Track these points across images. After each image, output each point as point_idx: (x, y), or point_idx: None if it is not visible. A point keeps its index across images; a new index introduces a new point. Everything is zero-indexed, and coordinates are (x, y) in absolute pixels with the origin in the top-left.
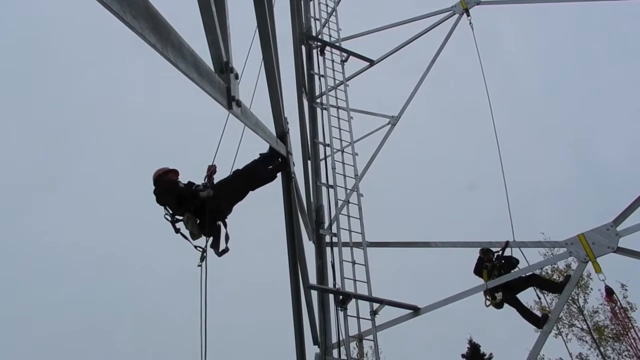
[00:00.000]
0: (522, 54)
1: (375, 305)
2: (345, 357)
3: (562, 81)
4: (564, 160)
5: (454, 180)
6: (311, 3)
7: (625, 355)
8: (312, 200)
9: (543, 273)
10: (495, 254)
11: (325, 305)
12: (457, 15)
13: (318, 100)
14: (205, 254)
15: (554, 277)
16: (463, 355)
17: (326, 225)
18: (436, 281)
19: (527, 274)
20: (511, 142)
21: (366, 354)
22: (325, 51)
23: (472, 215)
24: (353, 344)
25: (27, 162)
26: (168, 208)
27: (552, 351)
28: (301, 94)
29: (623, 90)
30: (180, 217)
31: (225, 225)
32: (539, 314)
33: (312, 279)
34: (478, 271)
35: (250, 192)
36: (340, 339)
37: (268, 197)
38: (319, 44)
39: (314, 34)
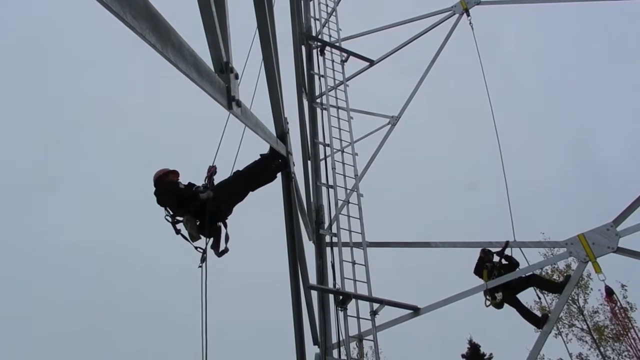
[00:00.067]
0: (522, 54)
1: (375, 306)
2: (345, 357)
3: (562, 81)
4: (564, 160)
5: (454, 180)
6: (311, 3)
7: (625, 356)
8: (312, 200)
9: (543, 273)
10: (494, 254)
11: (325, 306)
12: (457, 15)
13: (318, 100)
14: (205, 255)
15: (554, 277)
16: (463, 356)
17: (326, 225)
18: (436, 281)
19: (527, 274)
20: (511, 142)
21: (366, 354)
22: (325, 51)
23: (472, 215)
24: (353, 344)
25: (27, 162)
26: (169, 209)
27: (552, 351)
28: (301, 94)
29: (623, 90)
30: (181, 218)
31: (225, 226)
32: (539, 314)
33: (312, 279)
34: (478, 271)
35: (250, 192)
36: (340, 339)
37: (268, 197)
38: (319, 44)
39: (314, 34)
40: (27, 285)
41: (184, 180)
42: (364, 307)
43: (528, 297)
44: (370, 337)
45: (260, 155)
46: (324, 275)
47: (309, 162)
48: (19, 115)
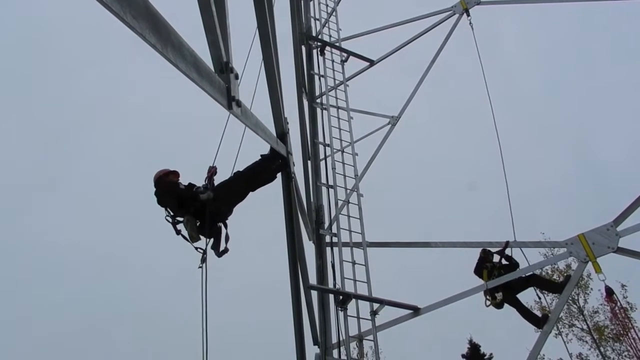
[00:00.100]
0: (522, 54)
1: (375, 306)
2: (345, 357)
3: (562, 81)
4: (564, 160)
5: (454, 180)
6: (311, 3)
7: (625, 356)
8: (312, 200)
9: (543, 273)
10: (494, 254)
11: (325, 306)
12: (457, 15)
13: (318, 101)
14: (205, 256)
15: (554, 277)
16: (463, 356)
17: (326, 225)
18: (436, 281)
19: (527, 274)
20: (511, 142)
21: (366, 354)
22: (325, 51)
23: (472, 215)
24: (353, 344)
25: (27, 162)
26: (169, 210)
27: (552, 351)
28: (301, 94)
29: (623, 90)
30: (181, 219)
31: (225, 226)
32: (539, 314)
33: (312, 279)
34: (478, 271)
35: (251, 192)
36: (340, 339)
37: (268, 197)
38: (319, 44)
39: (314, 34)
40: (27, 286)
41: (184, 180)
42: (364, 307)
43: (528, 297)
44: (370, 337)
45: (261, 155)
46: (324, 275)
47: (309, 162)
48: (19, 115)
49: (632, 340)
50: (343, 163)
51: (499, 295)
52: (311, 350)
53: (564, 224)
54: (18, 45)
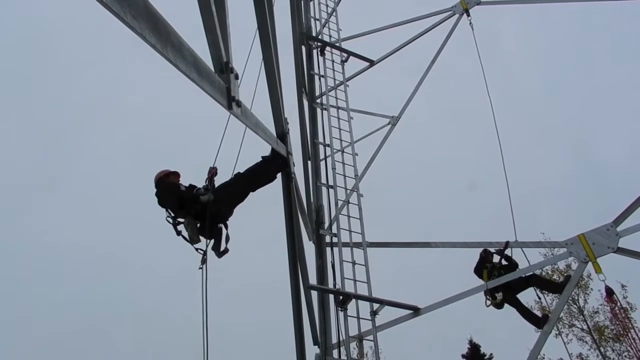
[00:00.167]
0: (522, 54)
1: (376, 306)
2: (345, 358)
3: (562, 81)
4: (564, 160)
5: (454, 180)
6: (311, 3)
7: (625, 356)
8: (312, 200)
9: (543, 273)
10: (494, 254)
11: (325, 306)
12: (457, 16)
13: (318, 101)
14: (205, 257)
15: (554, 277)
16: (463, 356)
17: (326, 225)
18: (436, 281)
19: (527, 274)
20: (511, 142)
21: (366, 354)
22: (325, 51)
23: (472, 215)
24: (353, 344)
25: (27, 162)
26: (169, 211)
27: (553, 351)
28: (301, 94)
29: (623, 90)
30: (182, 220)
31: (226, 227)
32: (539, 314)
33: (312, 279)
34: (478, 271)
35: (251, 192)
36: (340, 339)
37: (268, 197)
38: (319, 44)
39: (314, 34)
40: (27, 286)
41: (184, 181)
42: (364, 307)
43: (528, 297)
44: (370, 337)
45: (262, 157)
46: (324, 275)
47: (309, 162)
48: (19, 115)
49: (632, 341)
50: (343, 163)
51: (499, 296)
52: (311, 350)
53: (564, 224)
54: (18, 45)
